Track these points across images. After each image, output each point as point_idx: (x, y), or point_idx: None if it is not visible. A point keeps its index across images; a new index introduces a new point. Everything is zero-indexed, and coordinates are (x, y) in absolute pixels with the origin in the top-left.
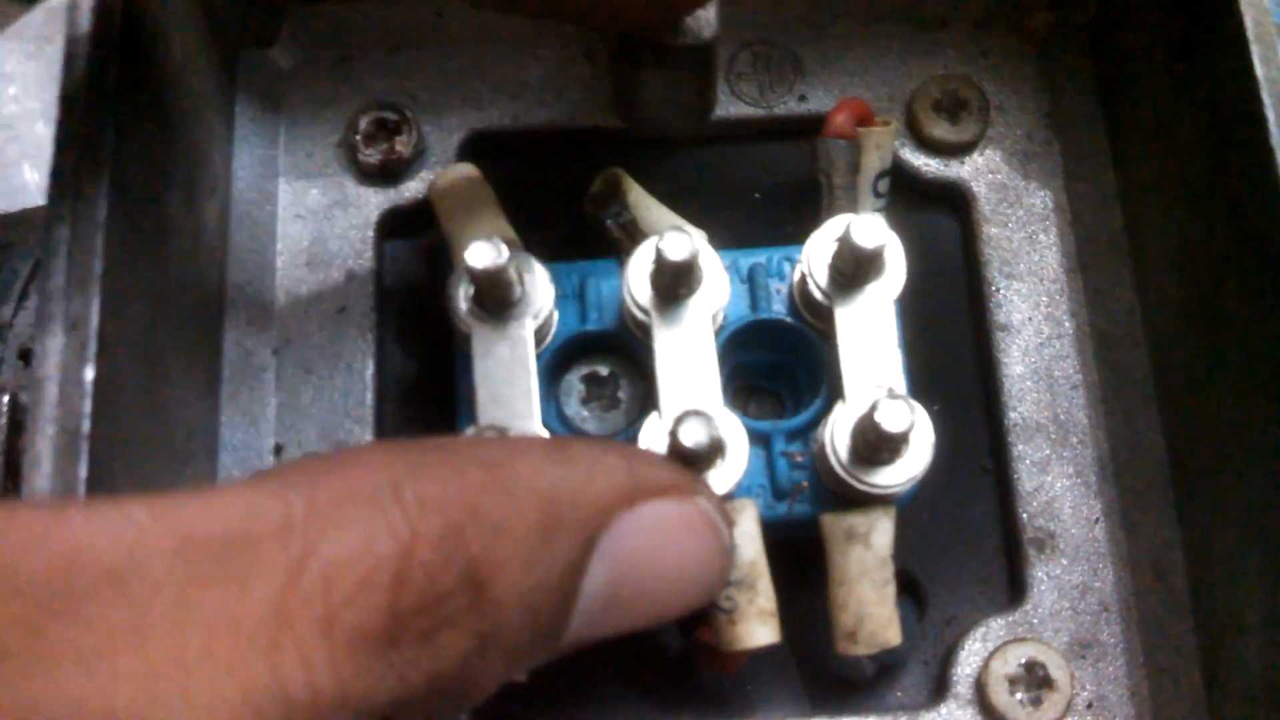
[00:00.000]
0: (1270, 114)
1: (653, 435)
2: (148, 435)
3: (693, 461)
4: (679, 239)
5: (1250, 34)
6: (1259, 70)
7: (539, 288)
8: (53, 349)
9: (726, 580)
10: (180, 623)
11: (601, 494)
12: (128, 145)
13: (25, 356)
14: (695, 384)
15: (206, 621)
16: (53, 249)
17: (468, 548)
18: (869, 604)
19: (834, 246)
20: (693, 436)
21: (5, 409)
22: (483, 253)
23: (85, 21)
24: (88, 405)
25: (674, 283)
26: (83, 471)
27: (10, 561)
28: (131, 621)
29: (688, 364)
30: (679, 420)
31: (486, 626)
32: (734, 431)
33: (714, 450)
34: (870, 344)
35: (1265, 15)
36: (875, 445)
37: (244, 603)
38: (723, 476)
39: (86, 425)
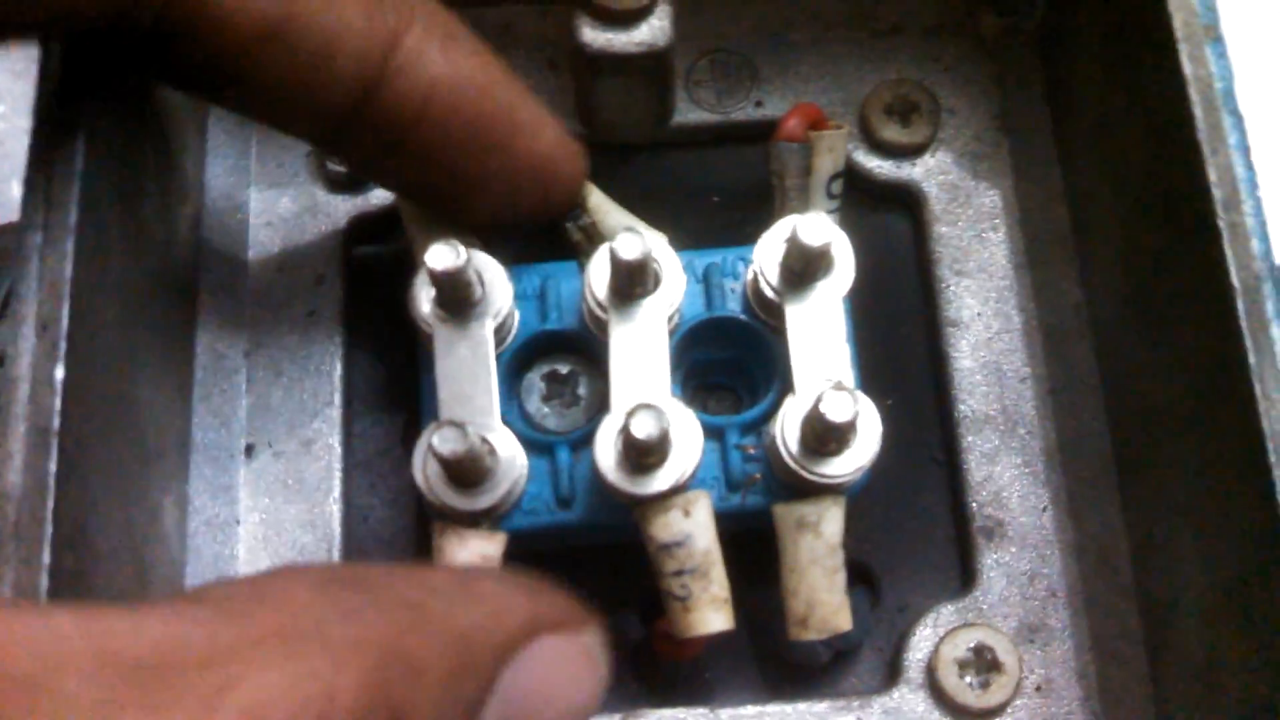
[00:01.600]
0: (1198, 112)
1: (609, 432)
2: (119, 434)
3: (645, 454)
4: (631, 240)
5: (1179, 34)
6: (1187, 70)
7: (498, 288)
8: (24, 350)
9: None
10: None
11: (507, 633)
12: (99, 153)
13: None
14: (647, 379)
15: None
16: (24, 254)
17: (390, 692)
18: (820, 590)
19: (784, 246)
20: (644, 429)
21: None
22: (442, 254)
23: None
24: (57, 403)
25: (630, 282)
26: (52, 466)
27: None
28: None
29: (641, 360)
30: (630, 413)
31: None
32: (687, 425)
33: (664, 442)
34: (819, 339)
35: (1193, 17)
36: (822, 436)
37: None
38: (676, 469)
39: (56, 423)
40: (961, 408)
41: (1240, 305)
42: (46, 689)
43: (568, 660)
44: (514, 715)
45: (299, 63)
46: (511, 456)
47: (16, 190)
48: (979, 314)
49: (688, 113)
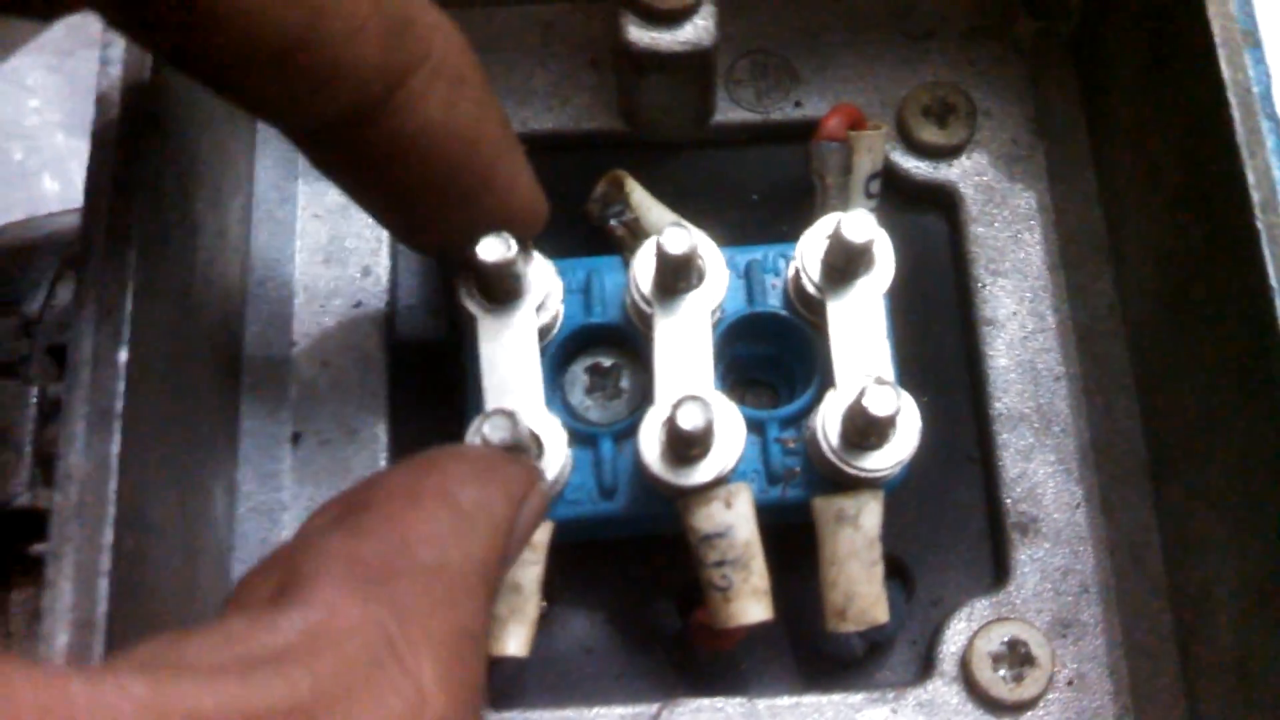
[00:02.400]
0: (1236, 115)
1: (653, 424)
2: (174, 419)
3: (689, 445)
4: (678, 234)
5: (1217, 39)
6: (1225, 74)
7: (544, 278)
8: (87, 333)
9: None
10: None
11: (505, 535)
12: (160, 146)
13: (53, 352)
14: (691, 373)
15: None
16: (88, 241)
17: (465, 672)
18: (858, 583)
19: (826, 242)
20: (690, 420)
21: (35, 400)
22: (492, 247)
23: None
24: (120, 386)
25: (674, 277)
26: (115, 448)
27: None
28: None
29: (685, 354)
30: (677, 405)
31: None
32: (730, 418)
33: (708, 434)
34: (860, 335)
35: (1231, 22)
36: (864, 430)
37: None
38: (719, 461)
39: (119, 405)
40: (997, 405)
41: (1278, 307)
42: None
43: (534, 513)
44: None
45: (302, 85)
46: (557, 444)
47: (50, 183)
48: (1014, 313)
49: (728, 112)
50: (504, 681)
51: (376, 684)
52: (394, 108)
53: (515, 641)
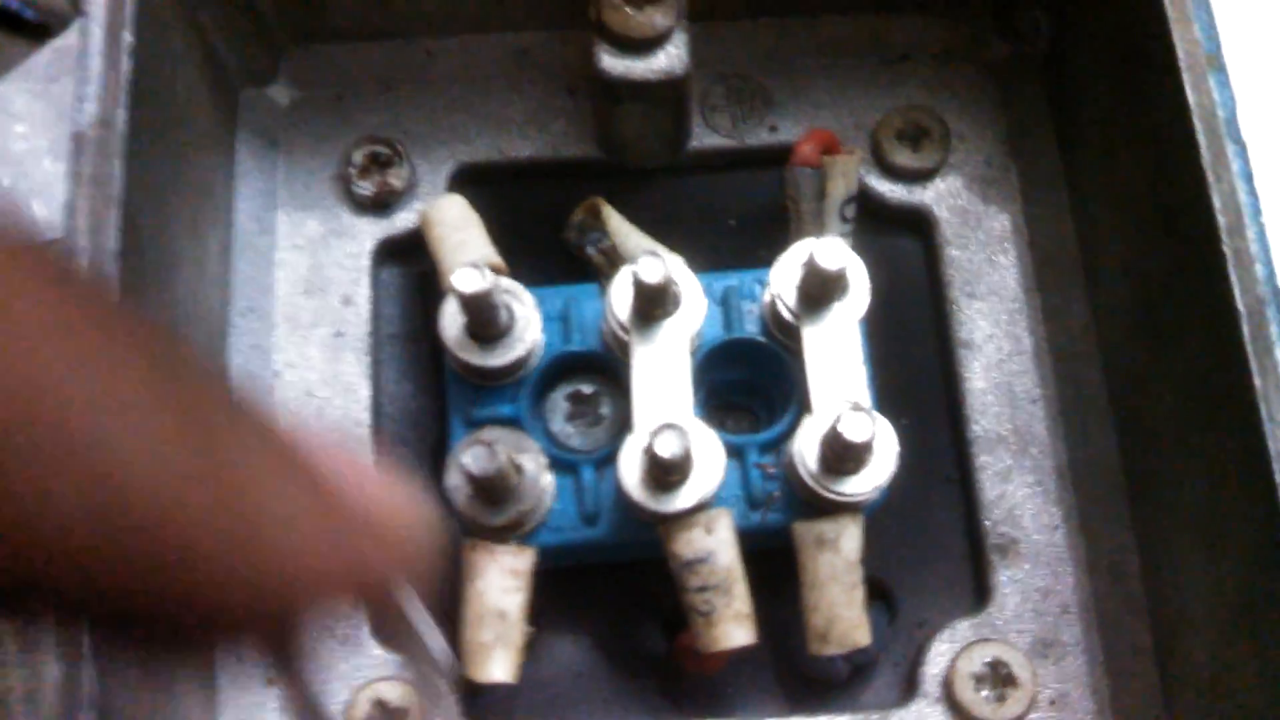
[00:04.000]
0: (1201, 140)
1: (633, 451)
2: None
3: (669, 472)
4: (653, 263)
5: (1182, 63)
6: (1190, 97)
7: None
8: None
9: None
10: None
11: None
12: (136, 180)
13: None
14: (670, 399)
15: None
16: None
17: None
18: (839, 606)
19: (800, 270)
20: (668, 448)
21: None
22: (468, 278)
23: (95, 66)
24: None
25: (650, 304)
26: None
27: None
28: None
29: (663, 381)
30: (655, 433)
31: None
32: (709, 444)
33: (687, 461)
34: (836, 360)
35: (1196, 46)
36: (841, 455)
37: None
38: (699, 487)
39: None
40: (974, 428)
41: (1245, 329)
42: None
43: None
44: None
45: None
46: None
47: (38, 210)
48: (990, 336)
49: (704, 138)
50: (494, 707)
51: None
52: None
53: (501, 668)
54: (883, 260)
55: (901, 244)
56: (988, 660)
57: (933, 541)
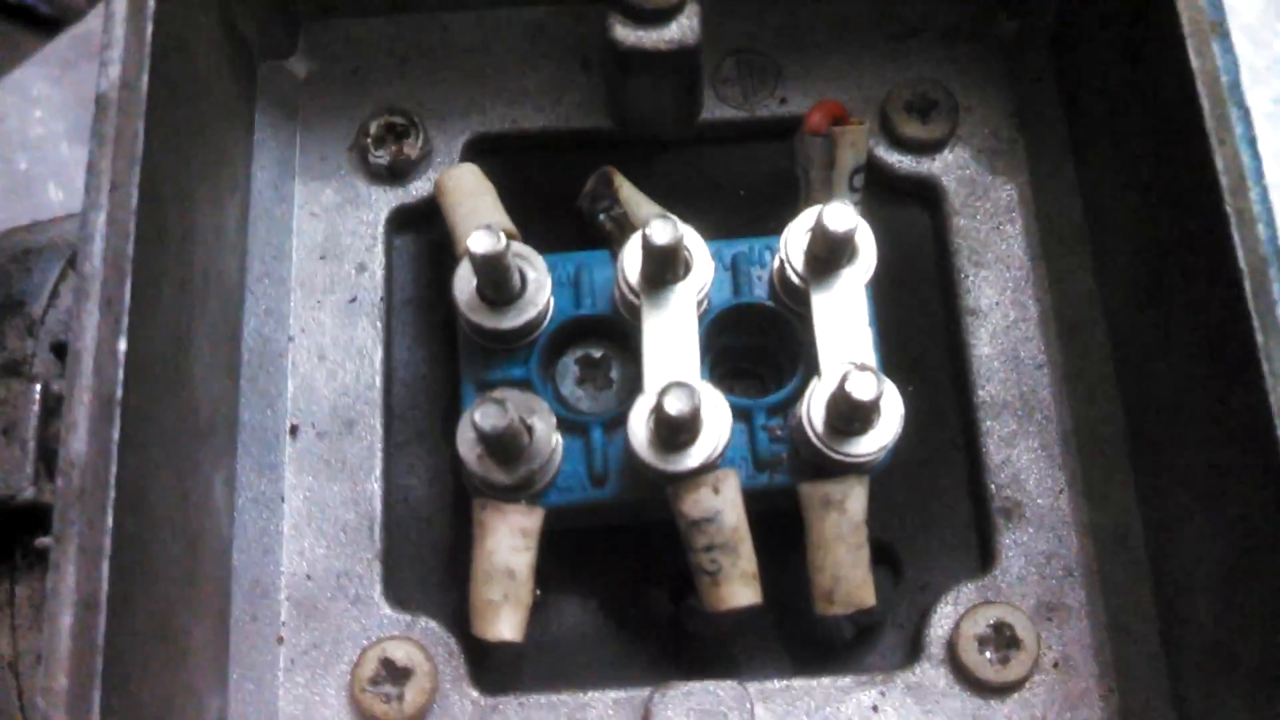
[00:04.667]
0: (1205, 103)
1: (642, 411)
2: (174, 409)
3: (677, 431)
4: (664, 225)
5: (1186, 30)
6: (1194, 63)
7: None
8: (89, 324)
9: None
10: None
11: None
12: (157, 145)
13: (56, 350)
14: (678, 361)
15: None
16: (88, 234)
17: None
18: (844, 566)
19: (809, 234)
20: (676, 405)
21: (38, 397)
22: (483, 240)
23: (119, 31)
24: (120, 374)
25: (661, 268)
26: (115, 434)
27: None
28: None
29: (672, 343)
30: (663, 391)
31: None
32: (716, 404)
33: (695, 419)
34: (844, 323)
35: (1200, 14)
36: (847, 415)
37: None
38: (706, 447)
39: (119, 392)
40: (980, 394)
41: (1248, 287)
42: None
43: None
44: None
45: None
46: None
47: (55, 192)
48: (997, 303)
49: (715, 110)
50: (501, 667)
51: None
52: None
53: (509, 626)
54: (891, 230)
55: (910, 214)
56: (992, 623)
57: (938, 505)
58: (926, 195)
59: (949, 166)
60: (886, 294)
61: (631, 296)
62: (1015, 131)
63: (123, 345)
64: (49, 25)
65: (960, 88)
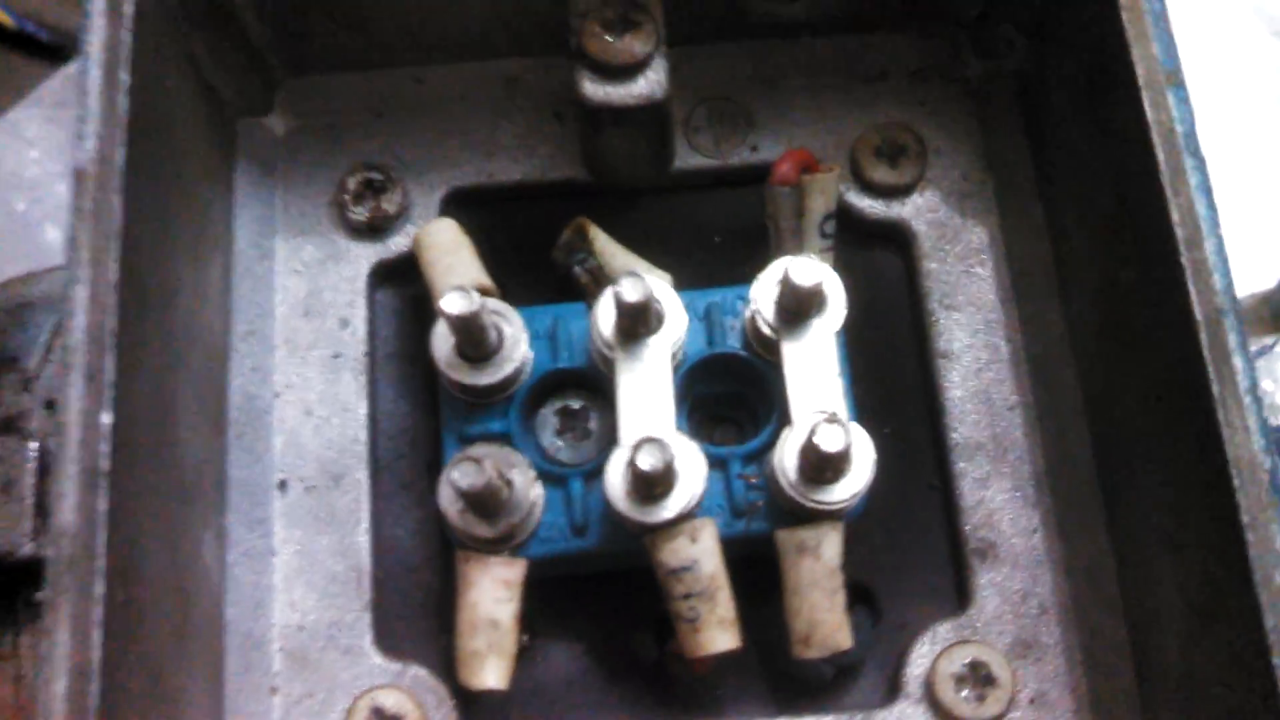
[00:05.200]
0: (1160, 154)
1: (618, 464)
2: (161, 473)
3: (652, 484)
4: (634, 283)
5: (1141, 80)
6: (1149, 114)
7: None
8: (73, 397)
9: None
10: None
11: None
12: (136, 212)
13: (52, 405)
14: (653, 414)
15: None
16: (70, 308)
17: None
18: (820, 611)
19: (777, 287)
20: (649, 461)
21: (35, 454)
22: (455, 301)
23: (94, 104)
24: (106, 446)
25: (634, 322)
26: (103, 505)
27: None
28: None
29: (647, 396)
30: (636, 447)
31: None
32: (691, 456)
33: (669, 473)
34: (814, 373)
35: (1155, 64)
36: (818, 465)
37: None
38: (682, 498)
39: (106, 464)
40: (954, 435)
41: (1203, 337)
42: None
43: None
44: None
45: None
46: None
47: (52, 233)
48: (968, 345)
49: (687, 158)
50: (489, 712)
51: None
52: None
53: (494, 675)
54: (863, 274)
55: (881, 258)
56: (968, 661)
57: (914, 546)
58: (897, 239)
59: (919, 210)
60: (859, 337)
61: (606, 350)
62: (984, 174)
63: (106, 419)
64: (51, 54)
65: (929, 130)
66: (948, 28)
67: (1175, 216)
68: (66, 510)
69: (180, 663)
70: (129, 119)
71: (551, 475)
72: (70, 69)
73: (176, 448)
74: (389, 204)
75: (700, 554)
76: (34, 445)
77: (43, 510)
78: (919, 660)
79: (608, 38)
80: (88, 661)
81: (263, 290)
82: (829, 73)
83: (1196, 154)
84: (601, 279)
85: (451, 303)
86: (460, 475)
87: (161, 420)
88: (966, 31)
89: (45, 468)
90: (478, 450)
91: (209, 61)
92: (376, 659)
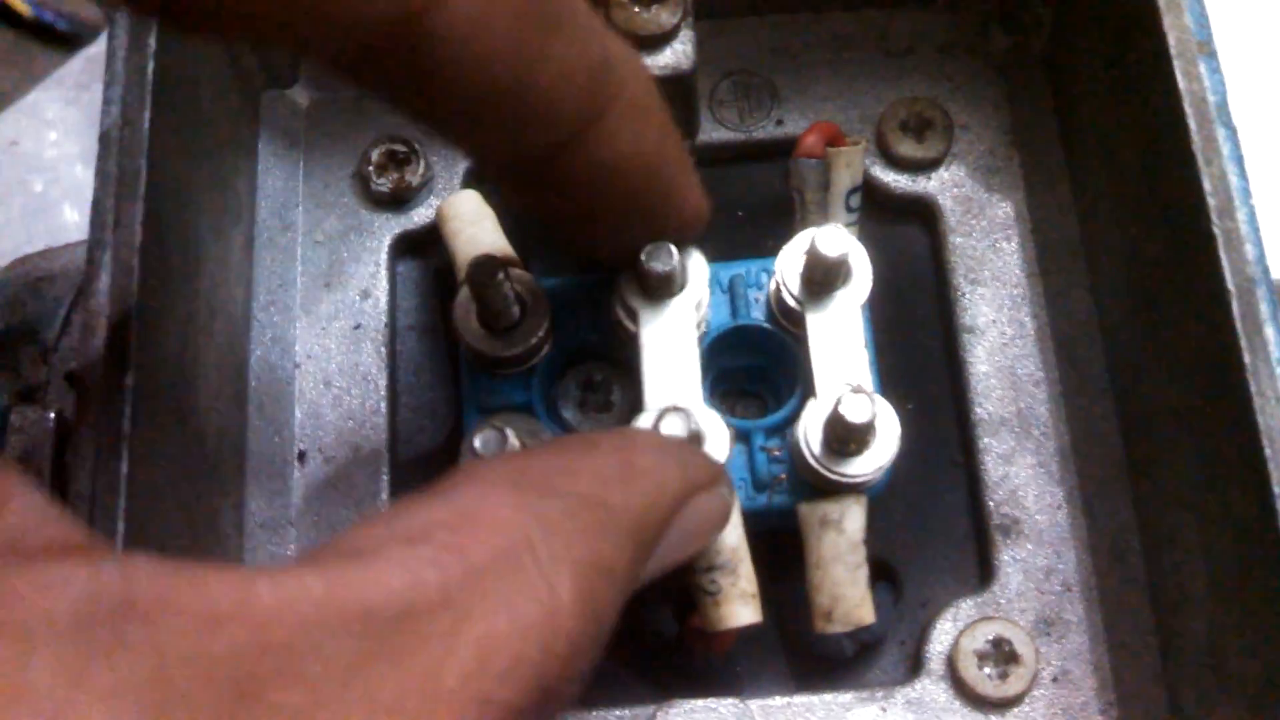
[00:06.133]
0: (1192, 124)
1: None
2: (181, 440)
3: None
4: (660, 252)
5: (1173, 50)
6: (1181, 84)
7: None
8: (95, 362)
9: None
10: (345, 704)
11: (670, 507)
12: (160, 180)
13: (70, 379)
14: (678, 383)
15: (369, 703)
16: (94, 271)
17: (595, 598)
18: (843, 585)
19: (803, 257)
20: (673, 430)
21: (52, 424)
22: (480, 269)
23: (120, 69)
24: (128, 409)
25: (660, 288)
26: (123, 469)
27: (203, 643)
28: (301, 704)
29: (671, 363)
30: (660, 415)
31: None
32: (715, 426)
33: (695, 443)
34: (839, 345)
35: (1187, 33)
36: (843, 437)
37: (405, 681)
38: None
39: (127, 427)
40: (978, 410)
41: (1235, 308)
42: (306, 655)
43: (710, 511)
44: (661, 564)
45: (508, 128)
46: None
47: (70, 214)
48: (994, 321)
49: (712, 132)
50: None
51: (514, 582)
52: (588, 142)
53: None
54: (888, 248)
55: (906, 232)
56: (991, 638)
57: (937, 523)
58: (923, 214)
59: (945, 185)
60: (884, 312)
61: (628, 321)
62: (1010, 149)
63: (129, 381)
64: (67, 42)
65: (956, 105)
66: (974, 3)
67: (1207, 186)
68: (86, 475)
69: None
70: (154, 85)
71: None
72: (91, 50)
73: (198, 416)
74: (412, 175)
75: None
76: (51, 415)
77: (60, 480)
78: (941, 637)
79: (634, 9)
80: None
81: (284, 261)
82: (855, 47)
83: (1229, 124)
84: None
85: (476, 270)
86: (482, 444)
87: (183, 388)
88: (993, 7)
89: (63, 438)
90: (500, 419)
91: None
92: None
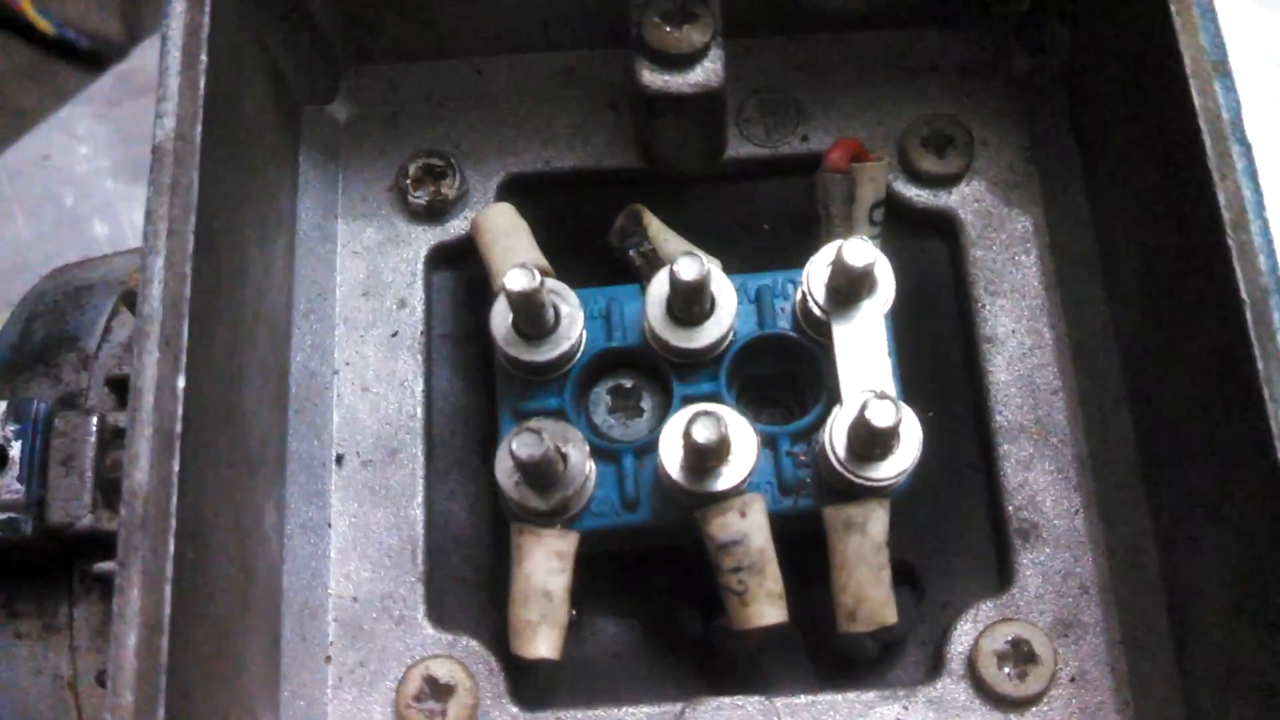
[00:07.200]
0: (1207, 140)
1: (673, 436)
2: (228, 442)
3: (705, 457)
4: (691, 262)
5: (1189, 69)
6: (1196, 102)
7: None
8: (149, 363)
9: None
10: None
11: None
12: (210, 191)
13: (111, 384)
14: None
15: None
16: (148, 277)
17: None
18: (867, 586)
19: (829, 268)
20: (704, 433)
21: (95, 429)
22: (519, 278)
23: (173, 84)
24: (180, 410)
25: (689, 302)
26: (175, 466)
27: None
28: None
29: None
30: (691, 419)
31: None
32: (743, 432)
33: (723, 446)
34: (864, 353)
35: (1201, 53)
36: (868, 442)
37: None
38: (734, 471)
39: (179, 427)
40: (998, 418)
41: (1249, 317)
42: None
43: None
44: None
45: None
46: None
47: (100, 228)
48: (1013, 331)
49: (739, 148)
50: (539, 684)
51: None
52: None
53: (546, 645)
54: (910, 261)
55: (928, 245)
56: (1010, 639)
57: (958, 527)
58: (944, 227)
59: (965, 199)
60: (906, 323)
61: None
62: (1029, 165)
63: (181, 382)
64: (88, 61)
65: (976, 122)
66: (994, 24)
67: (1222, 199)
68: (140, 471)
69: (241, 626)
70: (206, 101)
71: (604, 451)
72: (121, 67)
73: (243, 419)
74: (448, 189)
75: (750, 528)
76: (94, 420)
77: (102, 484)
78: (962, 638)
79: (667, 28)
80: (158, 617)
81: (324, 271)
82: (878, 66)
83: (1243, 140)
84: (655, 262)
85: (514, 279)
86: (519, 446)
87: (229, 392)
88: (1013, 27)
89: (104, 443)
90: (536, 423)
91: (280, 49)
92: (429, 630)
